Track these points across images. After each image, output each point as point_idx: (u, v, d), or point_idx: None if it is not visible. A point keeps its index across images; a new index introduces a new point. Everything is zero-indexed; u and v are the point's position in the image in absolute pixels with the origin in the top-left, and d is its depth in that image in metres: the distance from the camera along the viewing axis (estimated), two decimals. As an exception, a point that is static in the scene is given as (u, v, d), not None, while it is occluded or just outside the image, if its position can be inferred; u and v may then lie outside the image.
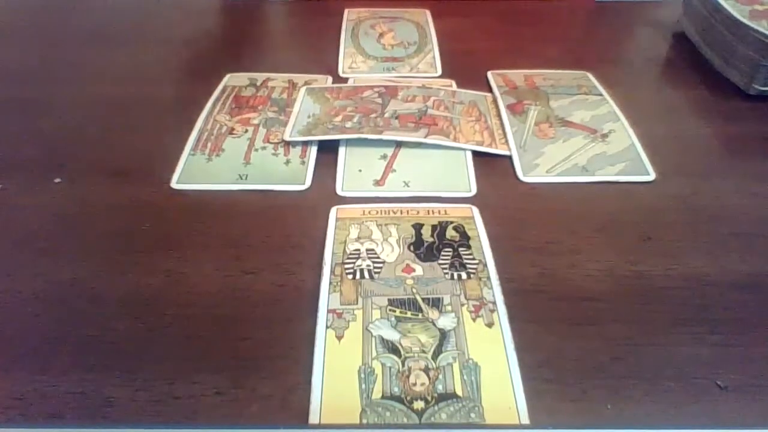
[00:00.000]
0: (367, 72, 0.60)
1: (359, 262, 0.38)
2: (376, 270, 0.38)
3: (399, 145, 0.49)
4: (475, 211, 0.42)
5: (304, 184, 0.45)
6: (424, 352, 0.33)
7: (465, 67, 0.60)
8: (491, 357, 0.33)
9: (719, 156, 0.50)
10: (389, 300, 0.36)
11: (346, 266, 0.38)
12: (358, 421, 0.30)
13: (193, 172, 0.46)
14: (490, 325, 0.35)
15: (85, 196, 0.44)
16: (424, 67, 0.61)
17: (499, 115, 0.53)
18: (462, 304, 0.36)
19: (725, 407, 0.31)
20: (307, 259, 0.39)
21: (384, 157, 0.48)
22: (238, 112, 0.53)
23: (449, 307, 0.35)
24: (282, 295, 0.37)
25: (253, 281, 0.38)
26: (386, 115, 0.51)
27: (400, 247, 0.40)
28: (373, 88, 0.56)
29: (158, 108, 0.54)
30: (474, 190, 0.45)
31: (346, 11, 0.71)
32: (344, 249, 0.39)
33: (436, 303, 0.36)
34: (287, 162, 0.47)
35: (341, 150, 0.48)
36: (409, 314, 0.35)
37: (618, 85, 0.57)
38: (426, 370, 0.32)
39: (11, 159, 0.48)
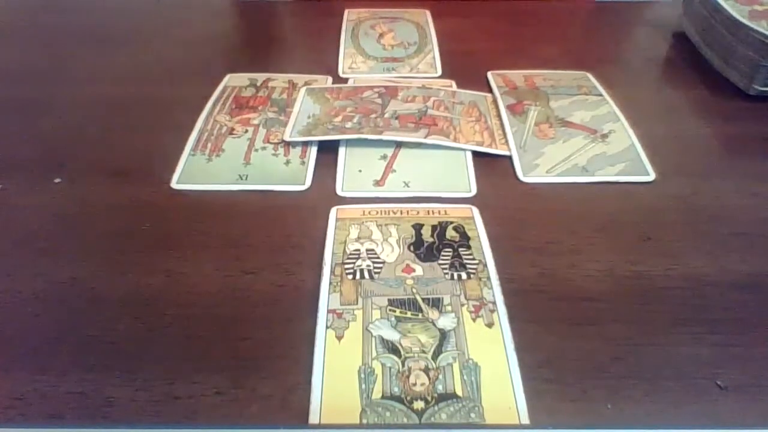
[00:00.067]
0: (367, 72, 0.60)
1: (359, 262, 0.38)
2: (376, 270, 0.38)
3: (399, 145, 0.49)
4: (475, 212, 0.42)
5: (304, 184, 0.45)
6: (424, 352, 0.33)
7: (465, 67, 0.60)
8: (491, 357, 0.33)
9: (719, 156, 0.50)
10: (389, 300, 0.36)
11: (346, 266, 0.38)
12: (358, 421, 0.30)
13: (193, 173, 0.46)
14: (490, 325, 0.35)
15: (85, 196, 0.44)
16: (424, 68, 0.61)
17: (499, 116, 0.53)
18: (462, 304, 0.36)
19: (725, 407, 0.31)
20: (307, 259, 0.39)
21: (384, 157, 0.48)
22: (238, 112, 0.53)
23: (449, 307, 0.35)
24: (282, 295, 0.37)
25: (253, 281, 0.38)
26: (386, 116, 0.51)
27: (400, 247, 0.40)
28: (373, 88, 0.56)
29: (158, 108, 0.54)
30: (474, 191, 0.45)
31: (346, 11, 0.71)
32: (344, 249, 0.39)
33: (436, 303, 0.36)
34: (287, 162, 0.47)
35: (341, 150, 0.48)
36: (409, 314, 0.35)
37: (618, 85, 0.57)
38: (426, 370, 0.32)
39: (11, 159, 0.48)
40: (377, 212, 0.42)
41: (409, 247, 0.40)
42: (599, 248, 0.40)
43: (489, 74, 0.59)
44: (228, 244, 0.40)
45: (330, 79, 0.59)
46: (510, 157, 0.48)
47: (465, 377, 0.32)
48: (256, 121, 0.52)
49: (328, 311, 0.35)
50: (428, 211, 0.43)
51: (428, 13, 0.71)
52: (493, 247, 0.39)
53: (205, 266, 0.38)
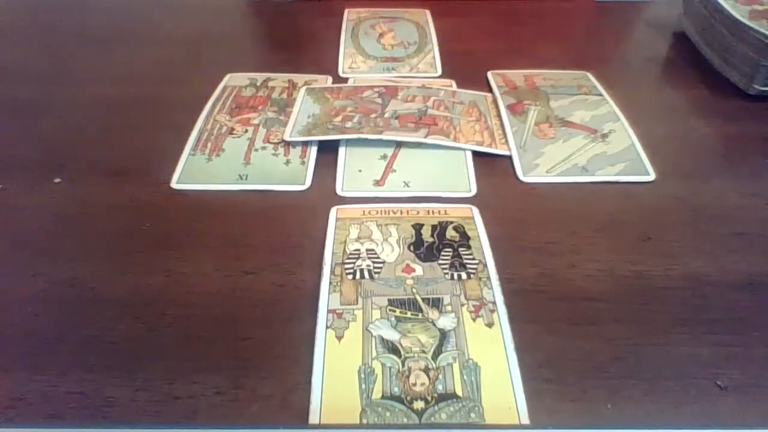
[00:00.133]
0: (367, 72, 0.60)
1: (359, 262, 0.38)
2: (376, 270, 0.38)
3: (399, 145, 0.49)
4: (475, 211, 0.42)
5: (304, 184, 0.45)
6: (424, 352, 0.33)
7: (465, 67, 0.60)
8: (491, 357, 0.33)
9: (719, 156, 0.50)
10: (389, 300, 0.36)
11: (346, 266, 0.38)
12: (358, 421, 0.30)
13: (193, 172, 0.46)
14: (490, 325, 0.35)
15: (85, 196, 0.44)
16: (424, 67, 0.61)
17: (499, 115, 0.53)
18: (462, 304, 0.36)
19: (725, 407, 0.31)
20: (307, 259, 0.39)
21: (384, 157, 0.48)
22: (238, 112, 0.53)
23: (449, 307, 0.35)
24: (282, 295, 0.37)
25: (253, 281, 0.38)
26: (386, 115, 0.51)
27: (400, 247, 0.40)
28: (373, 88, 0.56)
29: (158, 108, 0.54)
30: (474, 190, 0.45)
31: (346, 11, 0.71)
32: (344, 249, 0.39)
33: (436, 303, 0.36)
34: (287, 162, 0.47)
35: (341, 150, 0.48)
36: (409, 314, 0.35)
37: (618, 85, 0.57)
38: (426, 370, 0.32)
39: (11, 159, 0.48)
40: (377, 212, 0.42)
41: (409, 247, 0.40)
42: (599, 248, 0.40)
43: (489, 74, 0.59)
44: (228, 244, 0.40)
45: (330, 78, 0.59)
46: (510, 157, 0.48)
47: (465, 377, 0.32)
48: (256, 121, 0.52)
49: (328, 311, 0.35)
50: (428, 211, 0.43)
51: (428, 12, 0.71)
52: (493, 247, 0.39)
53: (205, 266, 0.38)
